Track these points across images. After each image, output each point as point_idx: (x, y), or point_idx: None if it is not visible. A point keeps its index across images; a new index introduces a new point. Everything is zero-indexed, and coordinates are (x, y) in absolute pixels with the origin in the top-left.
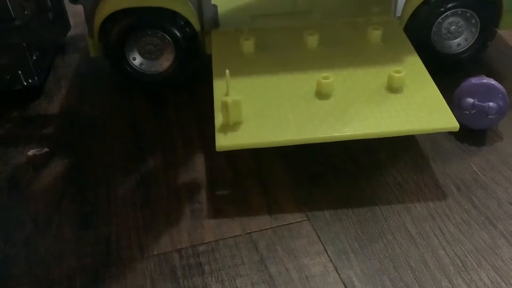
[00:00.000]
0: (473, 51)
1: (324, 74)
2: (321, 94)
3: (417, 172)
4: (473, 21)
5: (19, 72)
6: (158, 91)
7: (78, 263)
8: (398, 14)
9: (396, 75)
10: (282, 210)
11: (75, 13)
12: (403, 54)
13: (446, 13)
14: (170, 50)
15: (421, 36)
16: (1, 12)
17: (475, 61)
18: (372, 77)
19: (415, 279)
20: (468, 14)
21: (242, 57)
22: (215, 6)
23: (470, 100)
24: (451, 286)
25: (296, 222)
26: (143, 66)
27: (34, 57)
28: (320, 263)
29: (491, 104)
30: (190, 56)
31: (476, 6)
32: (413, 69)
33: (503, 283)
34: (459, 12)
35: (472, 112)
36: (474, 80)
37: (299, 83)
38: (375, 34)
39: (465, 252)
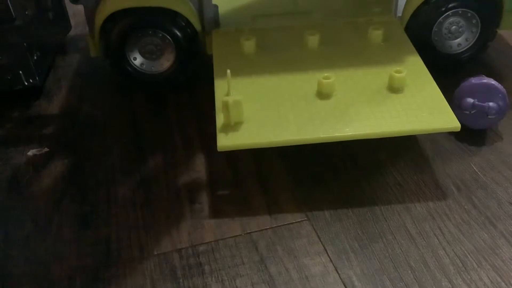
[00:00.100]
0: (474, 51)
1: (325, 74)
2: (322, 94)
3: (417, 172)
4: (474, 21)
5: (20, 72)
6: (158, 91)
7: (78, 263)
8: (399, 14)
9: (397, 75)
10: (282, 210)
11: (75, 13)
12: (404, 54)
13: (447, 13)
14: (170, 50)
15: (421, 36)
16: (2, 12)
17: (475, 61)
18: (373, 77)
19: (415, 279)
20: (469, 14)
21: (243, 57)
22: (216, 6)
23: (470, 100)
24: (451, 286)
25: (296, 222)
26: (144, 66)
27: (35, 57)
28: (320, 263)
29: (491, 104)
30: (191, 56)
31: (477, 6)
32: (414, 69)
33: (503, 283)
34: (460, 12)
35: (472, 112)
36: (474, 80)
37: (300, 83)
38: (376, 34)
39: (465, 252)
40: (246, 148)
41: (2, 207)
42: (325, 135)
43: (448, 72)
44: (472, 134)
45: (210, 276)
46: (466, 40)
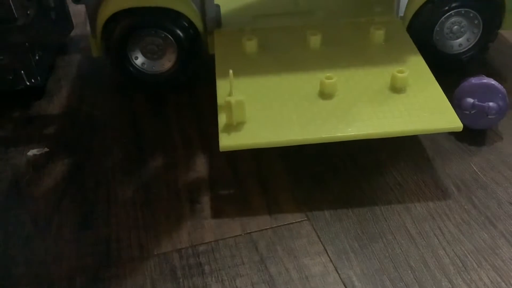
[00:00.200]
0: (475, 52)
1: (327, 74)
2: (324, 94)
3: (417, 172)
4: (476, 21)
5: (22, 72)
6: (158, 91)
7: (78, 263)
8: (401, 13)
9: (399, 75)
10: (282, 210)
11: (75, 13)
12: (406, 54)
13: (449, 12)
14: (172, 50)
15: (423, 36)
16: (4, 12)
17: (476, 61)
18: (375, 77)
19: (415, 279)
20: (471, 15)
21: (244, 57)
22: (218, 6)
23: (470, 100)
24: (451, 286)
25: (296, 222)
26: (145, 66)
27: (37, 57)
28: (320, 263)
29: (491, 104)
30: (192, 56)
31: (479, 6)
32: (416, 69)
33: (503, 283)
34: (463, 12)
35: (472, 112)
36: (474, 80)
37: (302, 83)
38: (378, 34)
39: (465, 252)
40: (248, 148)
41: (2, 207)
42: (327, 135)
43: (448, 72)
44: (472, 134)
45: (210, 276)
46: (468, 40)
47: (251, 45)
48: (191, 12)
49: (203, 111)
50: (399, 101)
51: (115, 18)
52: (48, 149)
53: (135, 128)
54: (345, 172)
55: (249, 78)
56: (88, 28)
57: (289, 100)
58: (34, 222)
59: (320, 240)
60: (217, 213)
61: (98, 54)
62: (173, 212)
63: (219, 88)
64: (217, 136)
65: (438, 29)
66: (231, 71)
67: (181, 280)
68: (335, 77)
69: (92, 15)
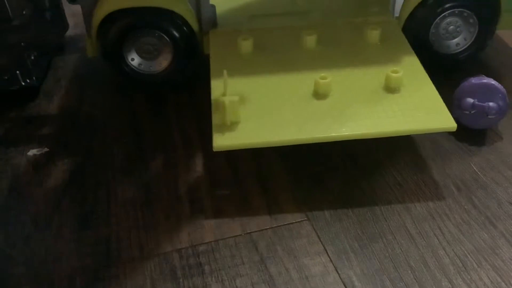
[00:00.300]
0: (473, 50)
1: (322, 74)
2: (319, 94)
3: (417, 172)
4: (471, 20)
5: (17, 72)
6: (158, 91)
7: (78, 263)
8: (397, 14)
9: (394, 75)
10: (282, 210)
11: (74, 13)
12: (401, 54)
13: (443, 14)
14: (168, 50)
15: (419, 37)
16: None
17: (475, 61)
18: (370, 77)
19: (415, 279)
20: (466, 14)
21: (240, 57)
22: (213, 6)
23: (470, 100)
24: (451, 286)
25: (296, 222)
26: (142, 67)
27: (32, 57)
28: (320, 263)
29: (491, 104)
30: (189, 56)
31: (473, 5)
32: (411, 69)
33: (503, 283)
34: (456, 12)
35: (472, 112)
36: (474, 80)
37: (297, 83)
38: (373, 34)
39: (465, 252)
40: (242, 148)
41: (2, 207)
42: (322, 135)
43: (447, 72)
44: (472, 134)
45: (210, 276)
46: (465, 39)
47: (246, 45)
48: (186, 12)
49: (203, 111)
50: (393, 101)
51: (110, 18)
52: (48, 149)
53: (135, 128)
54: (345, 172)
55: (244, 78)
56: None
57: (283, 100)
58: (34, 222)
59: (320, 240)
60: (217, 213)
61: (93, 55)
62: (173, 212)
63: (213, 88)
64: None
65: (433, 30)
66: (225, 71)
67: (181, 280)
68: (329, 77)
69: (87, 16)
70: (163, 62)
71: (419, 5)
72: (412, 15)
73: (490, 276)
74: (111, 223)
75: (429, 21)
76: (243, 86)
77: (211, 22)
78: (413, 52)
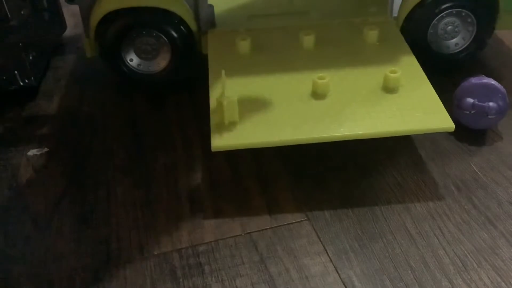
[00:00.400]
0: (472, 49)
1: (320, 74)
2: (317, 94)
3: (417, 172)
4: (469, 20)
5: (16, 72)
6: (158, 91)
7: (78, 263)
8: (395, 14)
9: (392, 75)
10: (282, 210)
11: (74, 13)
12: (399, 54)
13: (441, 14)
14: (166, 50)
15: (417, 37)
16: None
17: (475, 61)
18: (368, 77)
19: (415, 279)
20: (464, 14)
21: (238, 57)
22: (211, 6)
23: (470, 100)
24: (451, 286)
25: (296, 222)
26: (141, 67)
27: (31, 57)
28: (320, 263)
29: (491, 104)
30: (187, 56)
31: (470, 5)
32: (409, 69)
33: (503, 283)
34: (454, 12)
35: (472, 112)
36: (474, 80)
37: (295, 83)
38: (371, 34)
39: (465, 252)
40: (241, 148)
41: (2, 207)
42: (320, 135)
43: (447, 72)
44: (472, 134)
45: (210, 276)
46: (463, 39)
47: (244, 45)
48: (185, 12)
49: (203, 111)
50: (391, 101)
51: (108, 19)
52: (48, 149)
53: (135, 128)
54: (345, 172)
55: (243, 78)
56: None
57: (282, 100)
58: (34, 222)
59: (320, 240)
60: (217, 213)
61: (92, 55)
62: (173, 212)
63: (211, 89)
64: None
65: (432, 31)
66: (223, 71)
67: (181, 280)
68: (328, 77)
69: (85, 16)
70: (161, 62)
71: (417, 6)
72: (410, 16)
73: (490, 276)
74: (111, 223)
75: (427, 22)
76: (242, 86)
77: (209, 22)
78: (411, 52)
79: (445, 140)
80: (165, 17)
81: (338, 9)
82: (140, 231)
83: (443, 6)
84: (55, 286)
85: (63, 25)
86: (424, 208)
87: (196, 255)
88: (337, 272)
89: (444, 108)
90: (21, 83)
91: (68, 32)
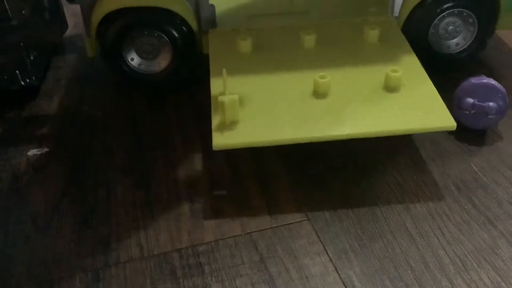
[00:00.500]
0: (473, 49)
1: (321, 74)
2: (318, 94)
3: (417, 172)
4: (470, 20)
5: (17, 71)
6: (158, 91)
7: (78, 263)
8: (396, 14)
9: (393, 74)
10: (282, 210)
11: (74, 12)
12: (400, 53)
13: (442, 14)
14: (167, 50)
15: (418, 37)
16: None
17: (475, 61)
18: (369, 76)
19: (415, 279)
20: (465, 14)
21: (239, 57)
22: (212, 6)
23: (470, 100)
24: (451, 286)
25: (296, 222)
26: (142, 66)
27: (32, 57)
28: (320, 263)
29: (491, 104)
30: (188, 56)
31: (471, 5)
32: (410, 68)
33: (503, 283)
34: (456, 12)
35: (472, 112)
36: (474, 80)
37: (296, 83)
38: (372, 34)
39: (465, 252)
40: (242, 147)
41: (2, 207)
42: (321, 134)
43: (447, 72)
44: (472, 134)
45: (210, 276)
46: (464, 39)
47: (245, 45)
48: (186, 12)
49: (204, 111)
50: (393, 100)
51: (109, 18)
52: (48, 149)
53: (135, 128)
54: (345, 172)
55: (244, 78)
56: None
57: (282, 99)
58: (34, 222)
59: (320, 240)
60: (217, 213)
61: (93, 55)
62: (173, 212)
63: (212, 88)
64: None
65: (433, 30)
66: (224, 70)
67: (181, 280)
68: (329, 77)
69: (86, 16)
70: (162, 62)
71: (418, 6)
72: (410, 16)
73: (490, 276)
74: (111, 223)
75: (428, 22)
76: (243, 86)
77: (210, 21)
78: (412, 51)
79: (445, 140)
80: (167, 17)
81: (338, 9)
82: (140, 231)
83: (445, 6)
84: (55, 286)
85: (64, 25)
86: (424, 208)
87: (196, 255)
88: (337, 272)
89: (446, 107)
90: (22, 83)
91: (68, 32)
